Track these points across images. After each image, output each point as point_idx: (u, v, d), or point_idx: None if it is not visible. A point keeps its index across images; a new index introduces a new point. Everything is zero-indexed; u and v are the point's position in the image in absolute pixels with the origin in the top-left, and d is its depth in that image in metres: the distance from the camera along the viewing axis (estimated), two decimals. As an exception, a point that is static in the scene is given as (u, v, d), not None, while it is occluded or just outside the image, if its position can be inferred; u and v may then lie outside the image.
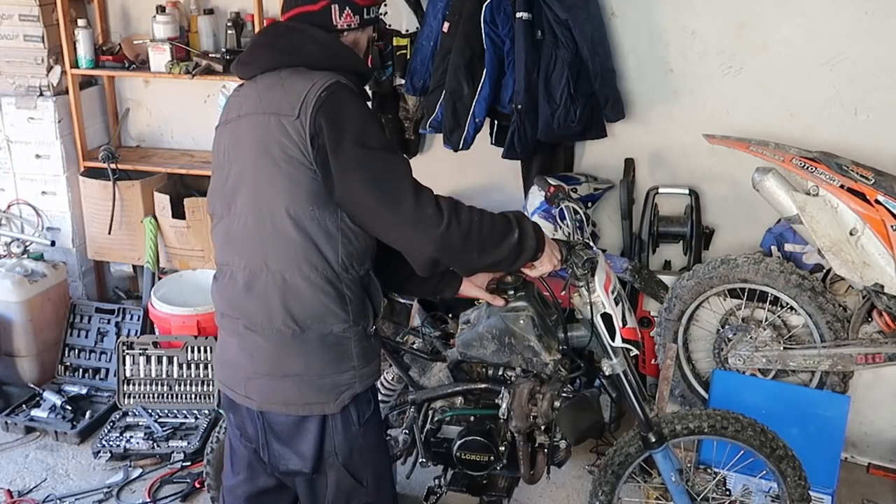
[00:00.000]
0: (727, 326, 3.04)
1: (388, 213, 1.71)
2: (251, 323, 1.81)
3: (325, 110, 1.68)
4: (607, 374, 2.18)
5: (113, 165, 3.65)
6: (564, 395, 2.12)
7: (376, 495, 1.97)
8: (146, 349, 3.45)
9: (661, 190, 3.30)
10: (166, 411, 3.42)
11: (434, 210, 1.71)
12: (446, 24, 3.22)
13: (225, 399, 1.99)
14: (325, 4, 1.82)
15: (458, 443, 2.17)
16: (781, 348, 2.91)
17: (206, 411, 3.41)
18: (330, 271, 1.77)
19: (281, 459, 1.88)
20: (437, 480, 2.41)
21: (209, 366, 3.43)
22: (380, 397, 2.35)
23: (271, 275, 1.77)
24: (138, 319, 3.66)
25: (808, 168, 2.70)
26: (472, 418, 2.22)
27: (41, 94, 3.77)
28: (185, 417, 3.38)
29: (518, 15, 3.03)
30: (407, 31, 3.47)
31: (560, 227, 2.33)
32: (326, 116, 1.68)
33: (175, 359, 3.44)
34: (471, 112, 3.20)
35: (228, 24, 3.60)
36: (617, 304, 2.12)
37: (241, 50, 3.47)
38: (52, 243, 3.75)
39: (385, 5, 3.41)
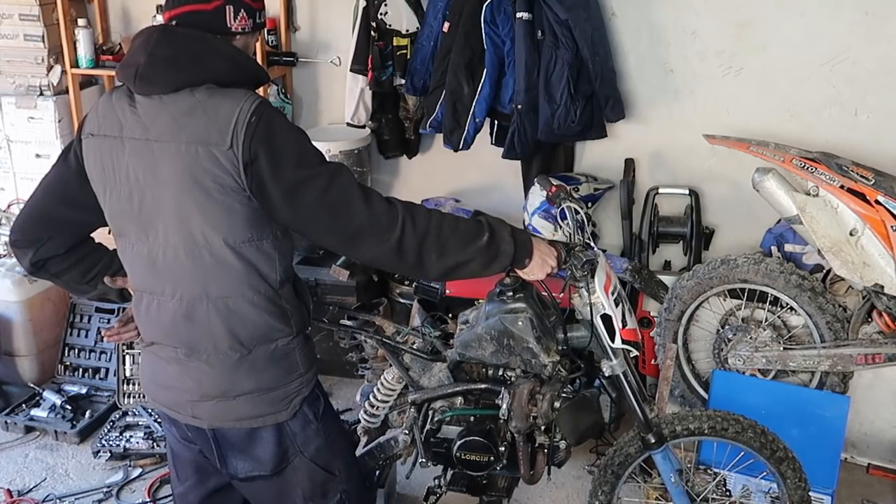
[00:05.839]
0: (727, 327, 3.03)
1: (343, 229, 1.68)
2: (193, 351, 1.77)
3: (259, 136, 1.62)
4: (607, 374, 2.18)
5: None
6: (564, 395, 2.12)
7: (349, 480, 1.98)
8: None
9: (661, 190, 3.31)
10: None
11: (387, 212, 1.69)
12: (446, 24, 3.23)
13: (162, 413, 1.97)
14: (220, 5, 1.71)
15: (458, 443, 2.17)
16: (781, 348, 2.91)
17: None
18: (271, 291, 1.76)
19: (240, 468, 1.88)
20: (436, 480, 2.41)
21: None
22: (380, 397, 2.36)
23: (212, 303, 1.73)
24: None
25: (808, 168, 2.70)
26: (472, 418, 2.21)
27: (41, 94, 3.77)
28: (185, 417, 3.38)
29: (518, 15, 3.03)
30: (407, 31, 3.46)
31: (560, 228, 2.33)
32: (261, 143, 1.62)
33: (175, 358, 3.44)
34: (471, 112, 3.20)
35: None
36: (617, 304, 2.12)
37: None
38: (52, 243, 3.74)
39: (385, 5, 3.41)
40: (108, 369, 3.61)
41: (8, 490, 3.03)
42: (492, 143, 3.40)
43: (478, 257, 1.77)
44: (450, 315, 2.45)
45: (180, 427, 1.92)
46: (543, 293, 2.22)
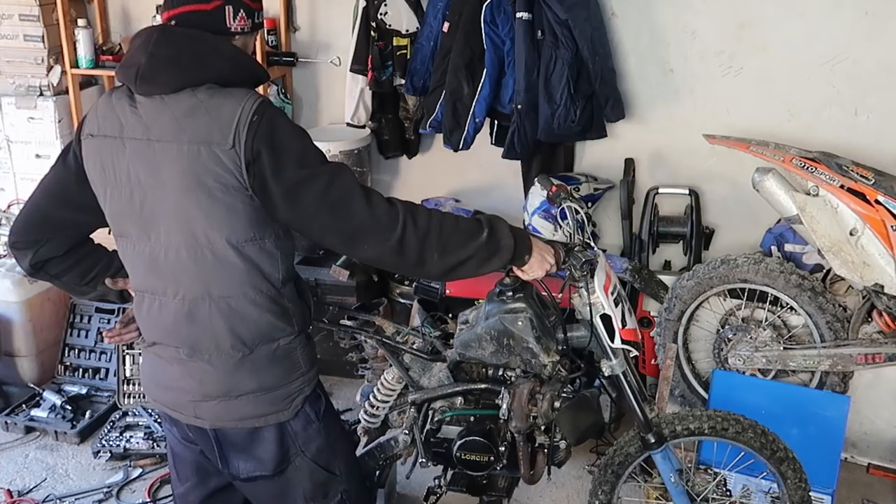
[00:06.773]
0: (727, 326, 3.03)
1: (344, 228, 1.68)
2: (195, 351, 1.78)
3: (261, 136, 1.62)
4: (607, 374, 2.18)
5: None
6: (564, 395, 2.12)
7: (350, 480, 1.98)
8: (146, 349, 3.45)
9: (661, 190, 3.30)
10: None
11: (387, 212, 1.69)
12: (446, 24, 3.23)
13: (163, 414, 1.97)
14: (219, 4, 1.71)
15: (458, 443, 2.17)
16: (781, 348, 2.91)
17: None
18: (273, 290, 1.77)
19: (241, 468, 1.88)
20: (437, 480, 2.41)
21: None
22: (380, 397, 2.36)
23: (214, 303, 1.73)
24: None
25: (808, 168, 2.70)
26: (472, 418, 2.21)
27: (41, 94, 3.77)
28: (185, 417, 3.38)
29: (518, 15, 3.03)
30: (407, 31, 3.46)
31: (560, 228, 2.33)
32: (263, 142, 1.62)
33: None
34: (471, 112, 3.20)
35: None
36: (617, 304, 2.12)
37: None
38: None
39: (385, 5, 3.41)
40: (108, 369, 3.61)
41: (8, 490, 3.03)
42: (492, 143, 3.40)
43: (478, 253, 1.77)
44: (450, 315, 2.45)
45: (181, 427, 1.92)
46: (543, 293, 2.22)
